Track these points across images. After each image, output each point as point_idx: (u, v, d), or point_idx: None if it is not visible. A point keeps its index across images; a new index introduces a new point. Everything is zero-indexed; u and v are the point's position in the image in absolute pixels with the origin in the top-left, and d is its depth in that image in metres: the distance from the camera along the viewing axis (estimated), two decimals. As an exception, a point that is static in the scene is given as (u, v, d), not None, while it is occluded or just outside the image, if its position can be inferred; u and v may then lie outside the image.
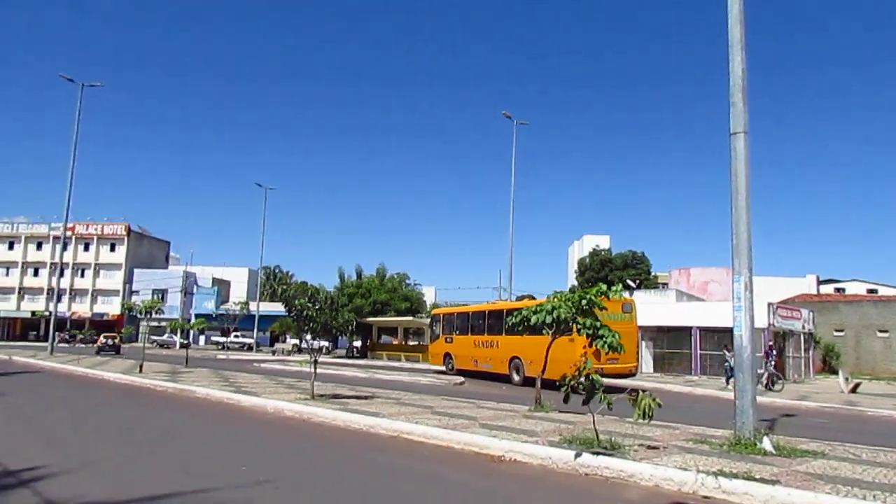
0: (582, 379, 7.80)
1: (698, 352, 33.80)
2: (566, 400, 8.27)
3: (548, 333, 12.96)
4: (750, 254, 8.40)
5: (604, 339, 11.78)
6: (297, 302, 13.46)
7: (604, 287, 12.00)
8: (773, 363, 25.32)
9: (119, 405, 14.66)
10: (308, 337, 14.51)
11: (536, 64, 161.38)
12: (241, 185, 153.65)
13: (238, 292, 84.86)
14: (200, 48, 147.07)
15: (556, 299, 12.20)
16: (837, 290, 64.03)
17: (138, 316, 25.88)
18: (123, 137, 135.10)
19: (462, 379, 26.09)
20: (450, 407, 13.06)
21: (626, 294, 44.78)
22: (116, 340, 50.84)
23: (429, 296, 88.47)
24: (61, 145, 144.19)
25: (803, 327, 35.41)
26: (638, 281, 51.83)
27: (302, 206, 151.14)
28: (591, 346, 12.61)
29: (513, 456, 7.98)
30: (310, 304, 13.22)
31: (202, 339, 75.11)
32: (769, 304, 32.57)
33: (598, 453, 7.31)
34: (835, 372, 31.84)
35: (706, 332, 33.88)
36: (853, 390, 25.29)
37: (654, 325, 36.32)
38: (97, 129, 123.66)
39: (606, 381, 8.77)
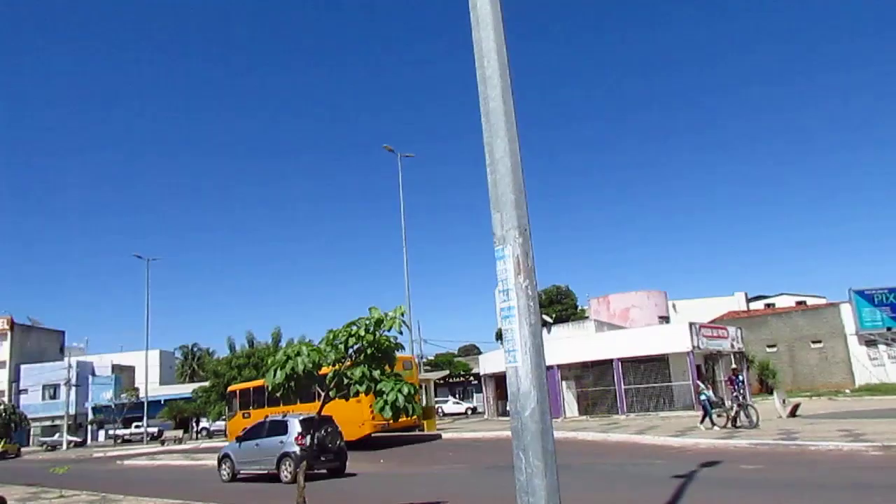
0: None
1: (622, 387, 29.77)
2: None
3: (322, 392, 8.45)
4: (522, 205, 4.21)
5: (384, 395, 7.35)
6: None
7: (377, 313, 7.62)
8: (741, 392, 19.59)
9: None
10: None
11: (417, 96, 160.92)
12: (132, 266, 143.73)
13: (151, 377, 77.16)
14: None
15: (302, 345, 7.74)
16: (767, 305, 62.11)
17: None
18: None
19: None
20: None
21: (542, 330, 41.17)
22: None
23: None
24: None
25: (732, 346, 32.03)
26: (554, 316, 48.16)
27: (203, 279, 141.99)
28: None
29: None
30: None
31: (101, 434, 67.13)
32: (691, 325, 29.10)
33: None
34: (772, 392, 28.32)
35: (629, 363, 30.01)
36: (792, 413, 21.60)
37: (575, 362, 32.31)
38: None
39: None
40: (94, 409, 68.88)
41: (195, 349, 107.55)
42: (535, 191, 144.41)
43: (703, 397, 19.89)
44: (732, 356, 31.96)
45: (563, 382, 32.54)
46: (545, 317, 43.63)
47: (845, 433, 15.17)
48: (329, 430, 15.90)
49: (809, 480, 10.67)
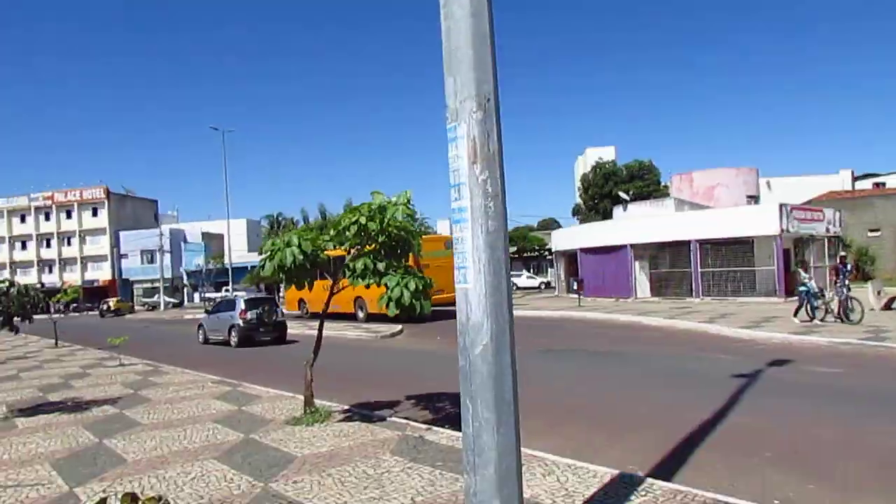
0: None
1: (698, 270, 28.12)
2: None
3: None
4: (486, 65, 2.91)
5: (389, 290, 6.49)
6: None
7: (380, 198, 6.57)
8: (845, 282, 17.25)
9: None
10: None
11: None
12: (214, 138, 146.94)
13: (238, 245, 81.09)
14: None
15: (294, 234, 6.85)
16: (877, 185, 56.69)
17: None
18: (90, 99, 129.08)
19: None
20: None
21: (618, 207, 39.25)
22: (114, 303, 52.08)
23: (443, 229, 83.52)
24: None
25: (827, 230, 29.32)
26: (632, 193, 45.70)
27: (285, 150, 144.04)
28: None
29: None
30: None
31: (196, 296, 71.92)
32: (781, 205, 26.56)
33: None
34: (868, 280, 25.93)
35: (708, 244, 28.12)
36: (887, 307, 19.56)
37: (650, 242, 30.69)
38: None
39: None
40: (186, 273, 73.60)
41: (280, 218, 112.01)
42: (615, 56, 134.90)
43: (802, 288, 17.35)
44: (827, 241, 29.38)
45: (637, 262, 31.16)
46: (621, 193, 41.49)
47: (946, 334, 13.40)
48: (266, 307, 19.70)
49: (892, 393, 9.32)
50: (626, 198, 39.25)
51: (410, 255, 24.15)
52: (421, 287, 6.58)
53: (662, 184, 55.13)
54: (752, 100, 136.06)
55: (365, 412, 7.99)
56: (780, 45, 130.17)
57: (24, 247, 79.90)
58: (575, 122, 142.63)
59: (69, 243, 78.46)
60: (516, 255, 64.66)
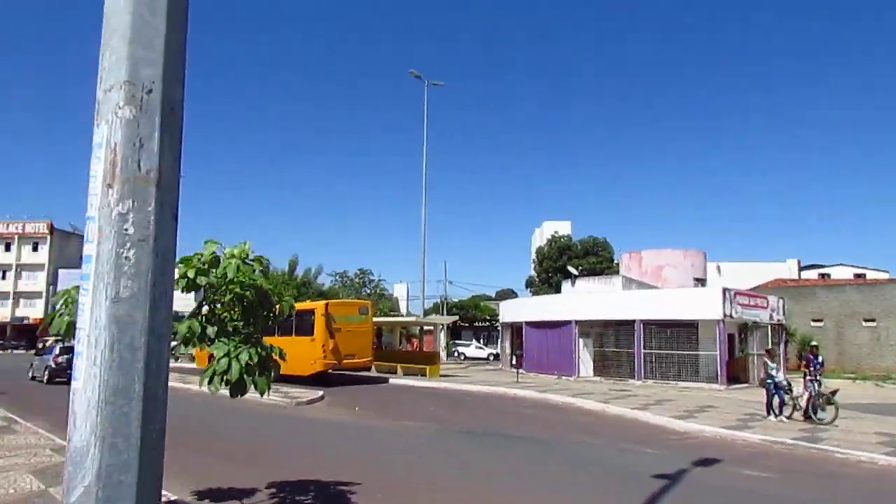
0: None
1: (642, 351, 27.30)
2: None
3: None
4: (155, 34, 1.87)
5: (215, 361, 5.28)
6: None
7: (212, 248, 5.44)
8: (816, 376, 15.52)
9: None
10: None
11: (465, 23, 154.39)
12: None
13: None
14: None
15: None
16: (822, 275, 57.76)
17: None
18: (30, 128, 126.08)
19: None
20: None
21: (566, 281, 38.67)
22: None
23: (400, 292, 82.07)
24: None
25: (771, 317, 29.00)
26: (580, 269, 45.38)
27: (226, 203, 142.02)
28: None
29: None
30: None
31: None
32: (725, 290, 26.17)
33: None
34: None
35: (653, 325, 27.41)
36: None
37: (596, 319, 29.90)
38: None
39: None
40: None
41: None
42: (590, 132, 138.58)
43: (769, 381, 15.63)
44: (771, 328, 29.01)
45: (581, 339, 30.26)
46: (570, 268, 41.03)
47: (886, 440, 12.56)
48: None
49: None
50: (575, 272, 38.78)
51: (320, 319, 22.47)
52: (256, 360, 5.35)
53: (615, 261, 55.18)
54: (707, 183, 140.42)
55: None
56: (735, 132, 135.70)
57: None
58: (535, 194, 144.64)
59: (3, 277, 74.62)
60: (467, 325, 63.47)
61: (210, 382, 5.26)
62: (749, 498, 8.54)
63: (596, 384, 26.36)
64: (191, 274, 5.43)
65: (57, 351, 24.64)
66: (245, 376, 5.30)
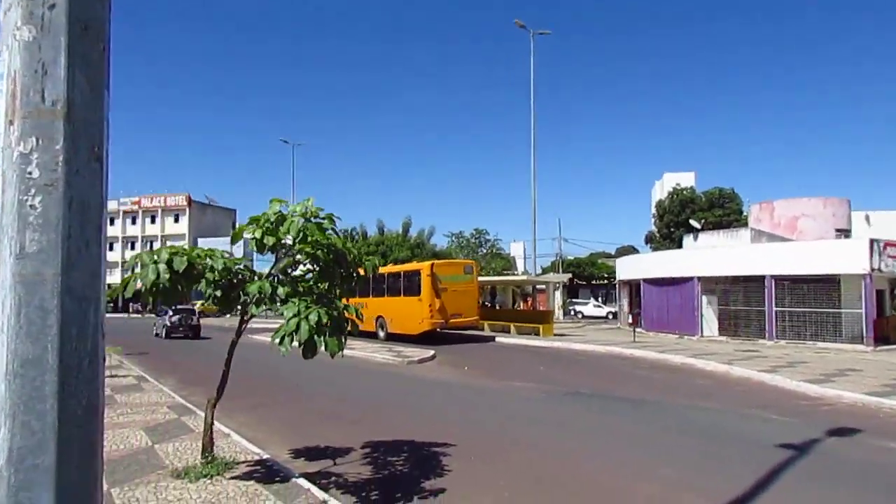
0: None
1: (773, 309, 25.28)
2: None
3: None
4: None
5: (285, 321, 5.19)
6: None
7: (276, 207, 5.28)
8: None
9: None
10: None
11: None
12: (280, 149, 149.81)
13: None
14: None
15: (166, 250, 5.58)
16: None
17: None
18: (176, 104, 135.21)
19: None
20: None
21: (688, 236, 36.43)
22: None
23: (516, 251, 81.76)
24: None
25: (929, 271, 25.76)
26: (707, 222, 42.40)
27: (344, 166, 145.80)
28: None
29: None
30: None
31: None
32: (872, 241, 23.52)
33: None
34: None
35: (786, 281, 25.26)
36: None
37: (721, 275, 28.03)
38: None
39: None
40: (257, 281, 75.37)
41: (353, 232, 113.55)
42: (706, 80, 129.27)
43: None
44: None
45: (705, 297, 28.52)
46: (692, 221, 38.60)
47: None
48: (184, 315, 30.16)
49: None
50: (698, 226, 36.44)
51: (426, 280, 22.46)
52: (327, 320, 5.18)
53: (744, 213, 51.45)
54: (851, 120, 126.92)
55: (275, 466, 6.64)
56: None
57: (111, 248, 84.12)
58: (654, 145, 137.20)
59: (151, 247, 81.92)
60: (584, 283, 62.03)
61: (280, 343, 5.17)
62: (893, 475, 7.50)
63: (720, 344, 24.79)
64: (257, 234, 5.34)
65: (171, 313, 29.84)
66: (315, 337, 5.16)
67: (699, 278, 28.39)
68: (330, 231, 5.76)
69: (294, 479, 6.02)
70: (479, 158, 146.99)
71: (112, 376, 14.38)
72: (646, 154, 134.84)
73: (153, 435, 8.13)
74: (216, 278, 5.52)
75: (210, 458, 6.27)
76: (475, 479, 6.76)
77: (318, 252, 5.66)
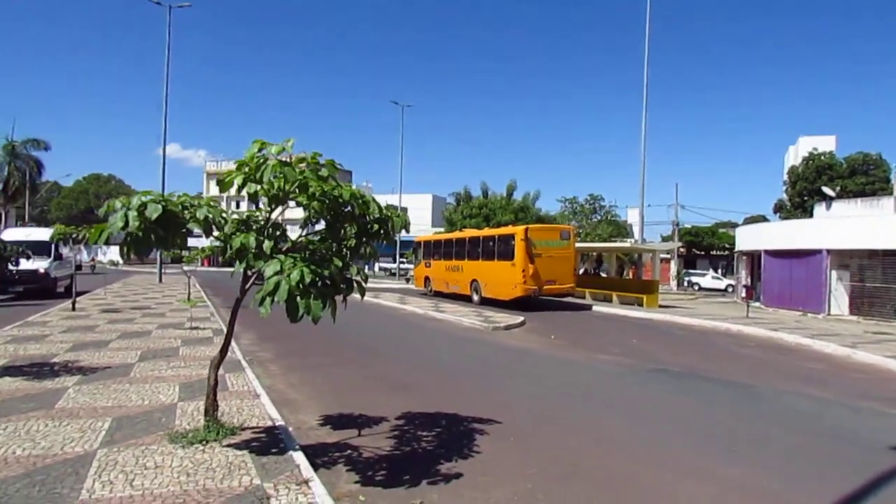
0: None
1: (915, 288, 22.18)
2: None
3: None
4: None
5: (265, 279, 4.63)
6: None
7: (257, 146, 4.64)
8: None
9: None
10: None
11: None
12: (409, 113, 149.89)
13: (422, 219, 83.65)
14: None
15: (145, 194, 4.99)
16: None
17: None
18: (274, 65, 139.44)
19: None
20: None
21: (820, 205, 32.77)
22: None
23: (633, 218, 78.70)
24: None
25: None
26: (846, 189, 37.91)
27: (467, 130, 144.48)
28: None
29: None
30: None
31: (377, 267, 75.62)
32: None
33: None
34: None
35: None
36: None
37: (855, 248, 24.99)
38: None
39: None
40: (367, 243, 77.84)
41: (467, 194, 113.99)
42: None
43: None
44: None
45: (834, 272, 25.56)
46: (826, 189, 34.69)
47: None
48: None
49: None
50: (831, 193, 32.64)
51: (520, 244, 21.57)
52: (311, 279, 4.54)
53: (891, 182, 45.91)
54: None
55: (281, 435, 6.16)
56: None
57: (237, 206, 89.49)
58: (789, 109, 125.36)
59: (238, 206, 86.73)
60: (702, 254, 58.29)
61: (261, 304, 4.61)
62: None
63: (848, 324, 22.14)
64: (238, 181, 4.77)
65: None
66: (298, 299, 4.55)
67: (829, 251, 25.45)
68: (330, 179, 5.09)
69: (291, 452, 5.52)
70: (594, 123, 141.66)
71: (194, 328, 14.77)
72: (780, 119, 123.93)
73: (185, 391, 7.97)
74: (203, 229, 5.05)
75: (210, 421, 5.91)
76: (503, 464, 5.99)
77: (313, 203, 5.03)
